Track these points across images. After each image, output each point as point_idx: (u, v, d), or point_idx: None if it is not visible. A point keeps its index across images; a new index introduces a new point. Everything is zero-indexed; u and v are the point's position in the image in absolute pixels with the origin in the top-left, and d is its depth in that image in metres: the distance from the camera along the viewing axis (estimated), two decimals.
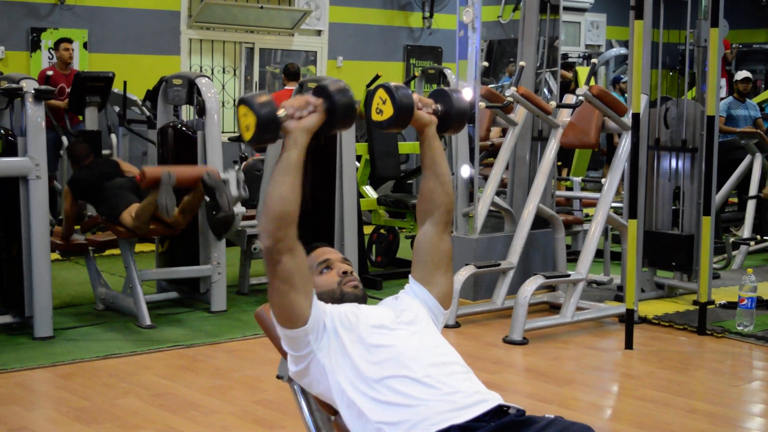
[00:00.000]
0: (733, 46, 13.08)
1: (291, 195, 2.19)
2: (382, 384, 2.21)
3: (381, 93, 2.36)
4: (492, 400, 2.22)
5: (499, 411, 2.20)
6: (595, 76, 8.09)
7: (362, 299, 2.45)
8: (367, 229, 7.71)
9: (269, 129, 2.20)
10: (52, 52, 9.13)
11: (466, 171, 6.36)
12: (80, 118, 8.65)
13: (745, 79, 9.19)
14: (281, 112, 2.21)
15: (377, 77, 10.08)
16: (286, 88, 9.12)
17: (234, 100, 10.87)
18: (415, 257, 2.51)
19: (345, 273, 2.45)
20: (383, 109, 2.36)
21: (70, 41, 8.73)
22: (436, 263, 2.48)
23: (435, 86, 10.20)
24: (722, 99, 9.67)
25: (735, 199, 9.24)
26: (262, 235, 2.20)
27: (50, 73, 8.24)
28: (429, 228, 2.48)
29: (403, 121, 2.37)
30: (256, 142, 2.22)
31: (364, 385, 2.22)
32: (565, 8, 7.03)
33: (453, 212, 2.57)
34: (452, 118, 2.45)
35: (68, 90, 8.51)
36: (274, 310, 2.28)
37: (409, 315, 2.39)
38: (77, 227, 6.22)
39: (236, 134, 9.67)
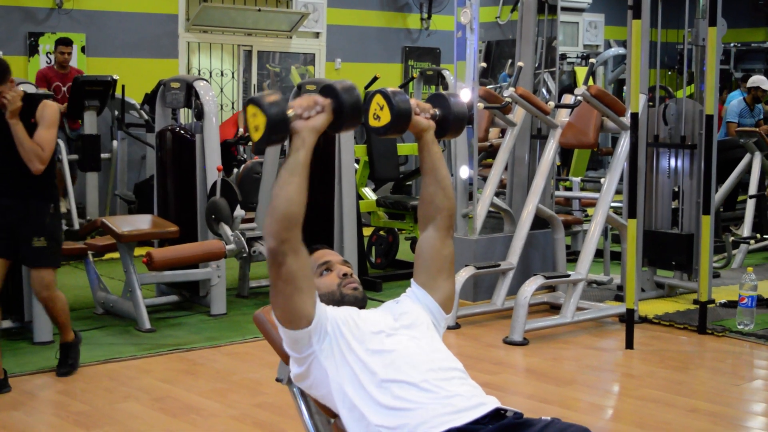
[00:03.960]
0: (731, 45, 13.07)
1: (297, 196, 2.15)
2: (382, 388, 2.20)
3: (378, 99, 2.35)
4: (490, 403, 2.22)
5: (497, 414, 2.20)
6: (593, 76, 8.08)
7: (362, 301, 2.44)
8: (367, 231, 7.70)
9: (279, 129, 2.16)
10: (50, 56, 9.12)
11: (465, 172, 6.36)
12: (79, 122, 8.65)
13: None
14: (290, 112, 2.18)
15: (375, 79, 10.07)
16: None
17: (233, 103, 10.86)
18: (418, 261, 2.51)
19: (345, 275, 2.45)
20: (381, 115, 2.34)
21: (68, 44, 8.70)
22: (439, 267, 2.48)
23: (433, 87, 10.19)
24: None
25: (743, 196, 9.21)
26: (267, 236, 2.17)
27: (46, 66, 8.21)
28: (431, 233, 2.48)
29: (401, 127, 2.36)
30: (266, 143, 2.17)
31: (364, 388, 2.21)
32: (563, 8, 7.04)
33: (455, 216, 2.56)
34: (450, 122, 2.45)
35: (64, 89, 8.50)
36: (277, 312, 2.25)
37: (408, 318, 2.38)
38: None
39: (235, 138, 9.67)
